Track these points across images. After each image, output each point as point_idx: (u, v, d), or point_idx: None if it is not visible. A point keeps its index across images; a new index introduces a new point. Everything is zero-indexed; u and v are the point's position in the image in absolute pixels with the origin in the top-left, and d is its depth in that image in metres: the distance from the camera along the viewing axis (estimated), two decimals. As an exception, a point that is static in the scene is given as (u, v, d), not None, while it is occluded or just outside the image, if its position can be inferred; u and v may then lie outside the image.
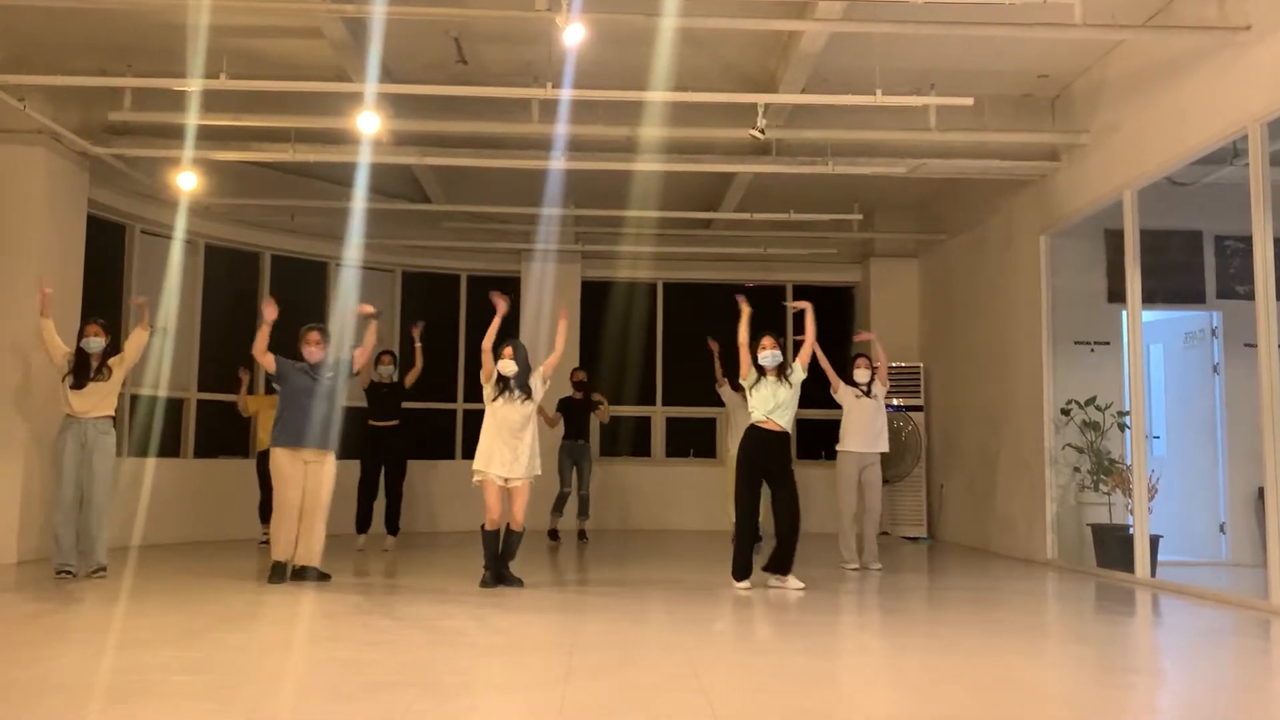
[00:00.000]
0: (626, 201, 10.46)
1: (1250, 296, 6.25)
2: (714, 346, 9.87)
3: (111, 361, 6.97)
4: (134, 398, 9.20)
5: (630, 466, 12.27)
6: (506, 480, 6.62)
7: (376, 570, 7.73)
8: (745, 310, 6.95)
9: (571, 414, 10.35)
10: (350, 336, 8.71)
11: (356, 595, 6.25)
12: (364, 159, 8.49)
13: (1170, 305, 8.95)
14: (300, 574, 6.64)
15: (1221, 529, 8.70)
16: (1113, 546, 7.85)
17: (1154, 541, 7.44)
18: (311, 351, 6.82)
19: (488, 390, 6.72)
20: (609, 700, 3.59)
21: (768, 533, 7.44)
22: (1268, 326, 6.00)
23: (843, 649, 4.91)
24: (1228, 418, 8.78)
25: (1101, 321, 8.87)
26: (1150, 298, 7.77)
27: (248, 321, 10.70)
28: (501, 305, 6.86)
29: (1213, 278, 8.97)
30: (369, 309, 7.13)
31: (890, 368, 9.87)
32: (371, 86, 7.30)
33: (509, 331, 8.02)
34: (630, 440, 12.53)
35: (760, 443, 6.78)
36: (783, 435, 6.81)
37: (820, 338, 7.20)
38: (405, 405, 9.25)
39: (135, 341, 7.13)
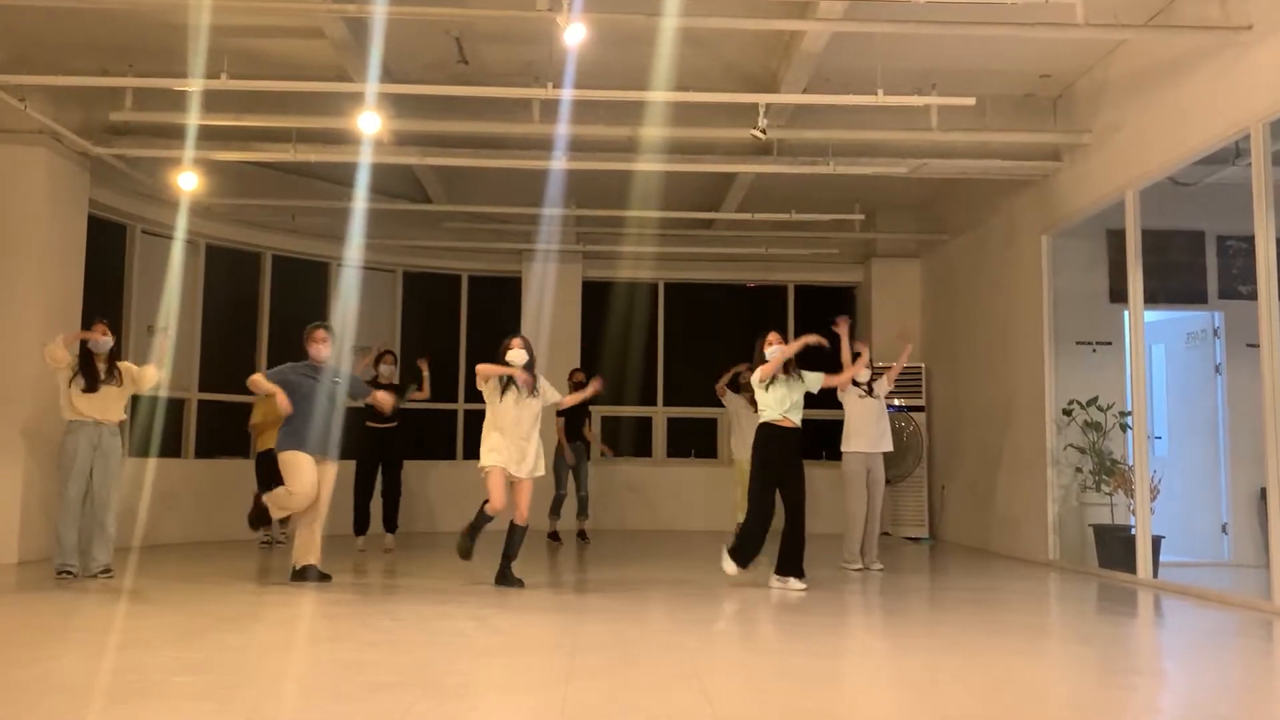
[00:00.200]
0: (627, 202, 10.45)
1: (1252, 297, 6.24)
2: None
3: (122, 367, 6.93)
4: (135, 398, 9.16)
5: (631, 467, 12.26)
6: (512, 476, 6.63)
7: (376, 570, 7.73)
8: (845, 331, 7.63)
9: (570, 415, 10.32)
10: (350, 357, 8.91)
11: (356, 595, 6.25)
12: (365, 159, 8.49)
13: (1172, 305, 8.94)
14: (300, 574, 6.63)
15: (1224, 530, 8.69)
16: (1115, 547, 7.84)
17: (1156, 542, 7.43)
18: (319, 349, 6.78)
19: (489, 389, 6.71)
20: (610, 701, 3.58)
21: (771, 532, 7.42)
22: (1270, 327, 5.98)
23: (844, 649, 4.89)
24: (1230, 418, 8.77)
25: (1103, 322, 8.85)
26: (1152, 298, 7.75)
27: (248, 322, 10.73)
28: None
29: (1215, 278, 8.96)
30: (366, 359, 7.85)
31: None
32: (372, 86, 7.30)
33: (511, 330, 8.03)
34: (631, 440, 12.53)
35: (778, 440, 6.81)
36: (798, 432, 6.87)
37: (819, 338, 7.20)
38: (405, 406, 9.23)
39: (148, 378, 7.04)
